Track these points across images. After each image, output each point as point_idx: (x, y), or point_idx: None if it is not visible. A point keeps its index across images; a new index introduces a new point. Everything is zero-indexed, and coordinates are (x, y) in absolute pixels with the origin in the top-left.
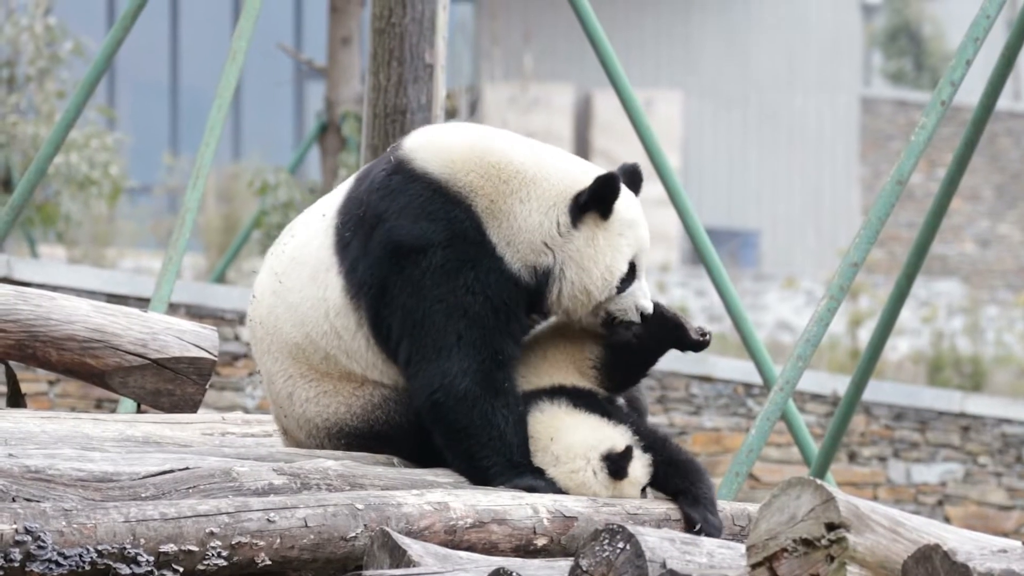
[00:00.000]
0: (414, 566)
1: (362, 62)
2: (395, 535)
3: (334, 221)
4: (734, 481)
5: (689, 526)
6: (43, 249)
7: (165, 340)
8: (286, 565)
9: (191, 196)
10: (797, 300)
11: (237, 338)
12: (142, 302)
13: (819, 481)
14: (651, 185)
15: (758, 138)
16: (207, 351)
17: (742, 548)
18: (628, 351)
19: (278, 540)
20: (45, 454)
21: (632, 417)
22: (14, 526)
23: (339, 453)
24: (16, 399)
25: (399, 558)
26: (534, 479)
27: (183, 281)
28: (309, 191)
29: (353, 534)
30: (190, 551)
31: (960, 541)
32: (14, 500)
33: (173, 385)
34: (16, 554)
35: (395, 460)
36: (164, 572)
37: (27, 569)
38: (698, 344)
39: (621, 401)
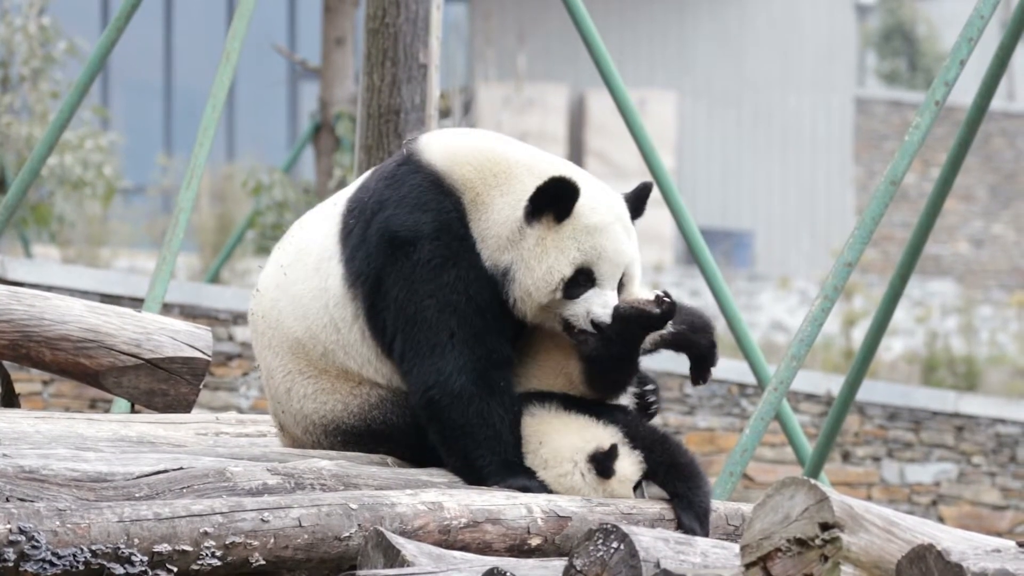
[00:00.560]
0: (408, 566)
1: (356, 62)
2: (389, 535)
3: (342, 209)
4: (728, 481)
5: (681, 529)
6: (37, 249)
7: (159, 340)
8: (280, 565)
9: (185, 196)
10: (791, 300)
11: (231, 338)
12: (136, 302)
13: (813, 481)
14: None
15: (752, 138)
16: (201, 351)
17: (736, 548)
18: (595, 361)
19: (272, 540)
20: (39, 454)
21: (627, 416)
22: (8, 526)
23: (333, 453)
24: (10, 399)
25: (393, 558)
26: (528, 479)
27: (177, 281)
28: (303, 191)
29: (347, 534)
30: (184, 551)
31: (954, 541)
32: (8, 500)
33: (167, 385)
34: (10, 554)
35: (389, 460)
36: (158, 572)
37: (21, 569)
38: (665, 314)
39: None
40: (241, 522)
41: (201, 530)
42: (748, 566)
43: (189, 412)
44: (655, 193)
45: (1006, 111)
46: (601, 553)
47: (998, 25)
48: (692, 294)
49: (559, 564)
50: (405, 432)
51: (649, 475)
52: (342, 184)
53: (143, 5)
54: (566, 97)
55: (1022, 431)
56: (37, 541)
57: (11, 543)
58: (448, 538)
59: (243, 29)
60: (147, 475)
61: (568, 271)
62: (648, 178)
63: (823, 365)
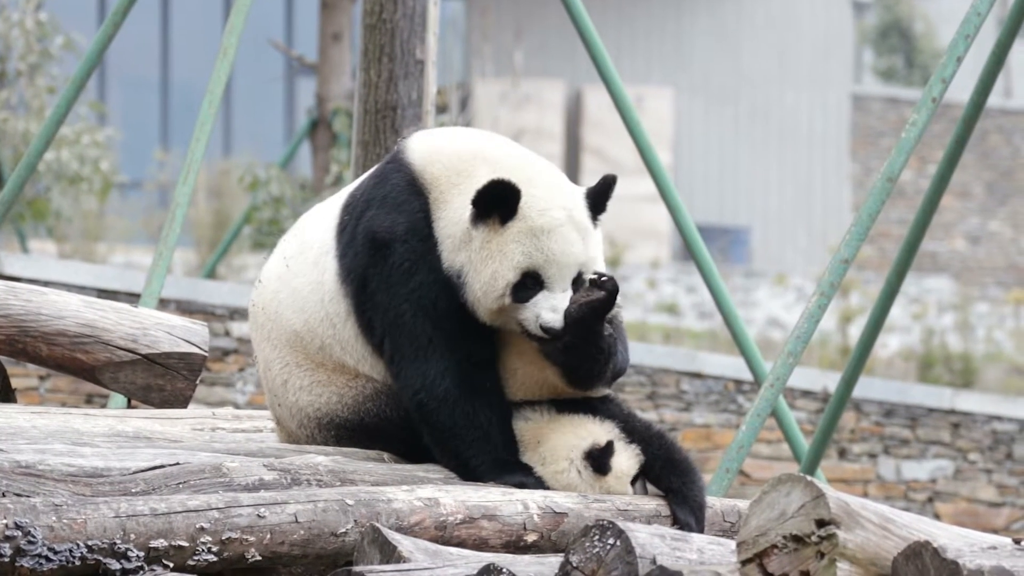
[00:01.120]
0: (404, 562)
1: (353, 58)
2: (385, 531)
3: (341, 204)
4: (724, 477)
5: (676, 524)
6: (33, 244)
7: (155, 335)
8: (276, 560)
9: (182, 191)
10: (787, 297)
11: (228, 333)
12: (132, 297)
13: (809, 478)
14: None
15: (749, 135)
16: (197, 346)
17: (732, 544)
18: (564, 363)
19: (268, 536)
20: (35, 449)
21: (623, 411)
22: (4, 521)
23: (330, 449)
24: (6, 394)
25: (389, 554)
26: (524, 476)
27: (173, 276)
28: (300, 187)
29: (343, 530)
30: (180, 546)
31: (950, 538)
32: (4, 495)
33: (163, 380)
34: (6, 549)
35: (385, 456)
36: (154, 567)
37: (17, 564)
38: (610, 293)
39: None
40: (237, 518)
41: (197, 525)
42: (744, 563)
43: (185, 407)
44: (652, 189)
45: (1003, 108)
46: (597, 549)
47: (995, 22)
48: (688, 290)
49: (555, 560)
50: (398, 426)
51: (645, 470)
52: (339, 180)
53: (140, 0)
54: (563, 93)
55: (1018, 428)
56: (33, 536)
57: (7, 538)
58: (444, 534)
59: (240, 24)
60: (143, 470)
61: (512, 276)
62: (646, 175)
63: (819, 362)
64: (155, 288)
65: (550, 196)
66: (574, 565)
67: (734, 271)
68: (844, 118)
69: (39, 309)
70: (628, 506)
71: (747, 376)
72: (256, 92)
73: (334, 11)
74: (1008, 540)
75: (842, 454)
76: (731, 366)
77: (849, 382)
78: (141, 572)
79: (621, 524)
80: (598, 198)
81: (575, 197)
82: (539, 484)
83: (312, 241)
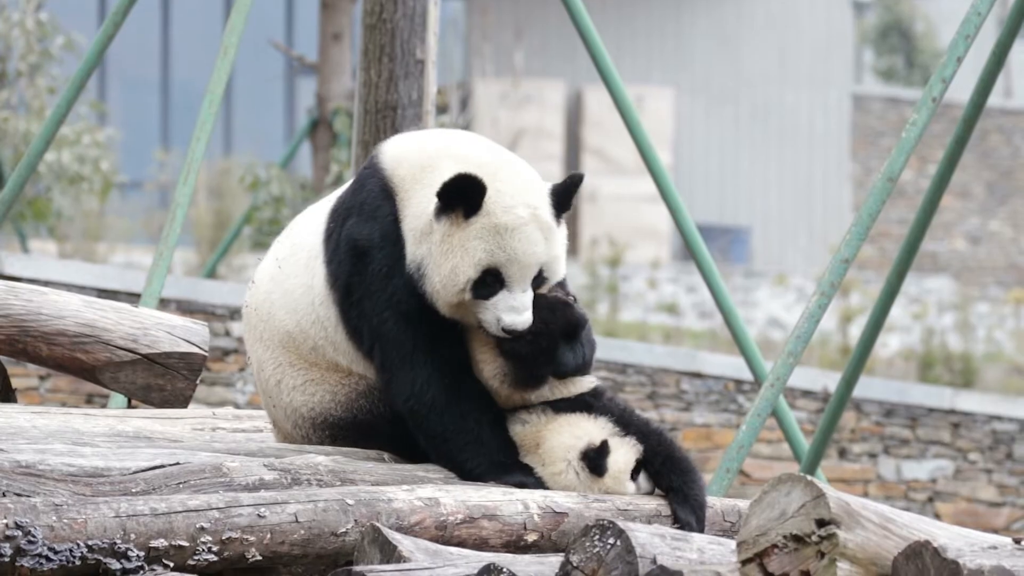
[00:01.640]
0: (404, 562)
1: (353, 58)
2: (385, 531)
3: (329, 208)
4: (724, 477)
5: (677, 523)
6: (34, 244)
7: (156, 335)
8: (276, 560)
9: (182, 191)
10: (788, 297)
11: (228, 333)
12: (133, 297)
13: (809, 477)
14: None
15: (749, 135)
16: (198, 346)
17: (732, 544)
18: (517, 359)
19: (268, 535)
20: (36, 449)
21: (618, 408)
22: (4, 521)
23: (329, 448)
24: (6, 394)
25: (389, 553)
26: (523, 475)
27: (174, 276)
28: (300, 187)
29: (343, 529)
30: (180, 546)
31: (950, 537)
32: (4, 495)
33: (164, 380)
34: (6, 549)
35: (385, 456)
36: (154, 567)
37: (17, 564)
38: (579, 320)
39: (609, 393)
40: (238, 517)
41: (197, 525)
42: (744, 562)
43: (186, 407)
44: (652, 189)
45: (1003, 108)
46: (597, 549)
47: (995, 22)
48: (689, 290)
49: (555, 560)
50: (391, 422)
51: (645, 465)
52: (339, 179)
53: (140, 0)
54: (563, 93)
55: (1018, 428)
56: (33, 536)
57: (7, 538)
58: (444, 534)
59: (241, 24)
60: (144, 470)
61: (473, 272)
62: (646, 175)
63: (820, 362)
64: (155, 288)
65: (515, 193)
66: (574, 565)
67: (734, 271)
68: (844, 118)
69: (39, 309)
70: (628, 506)
71: (747, 376)
72: (256, 92)
73: (334, 11)
74: (1008, 540)
75: (842, 454)
76: (731, 366)
77: (849, 382)
78: (141, 572)
79: (621, 524)
80: (563, 196)
81: (541, 194)
82: (539, 484)
83: (303, 244)
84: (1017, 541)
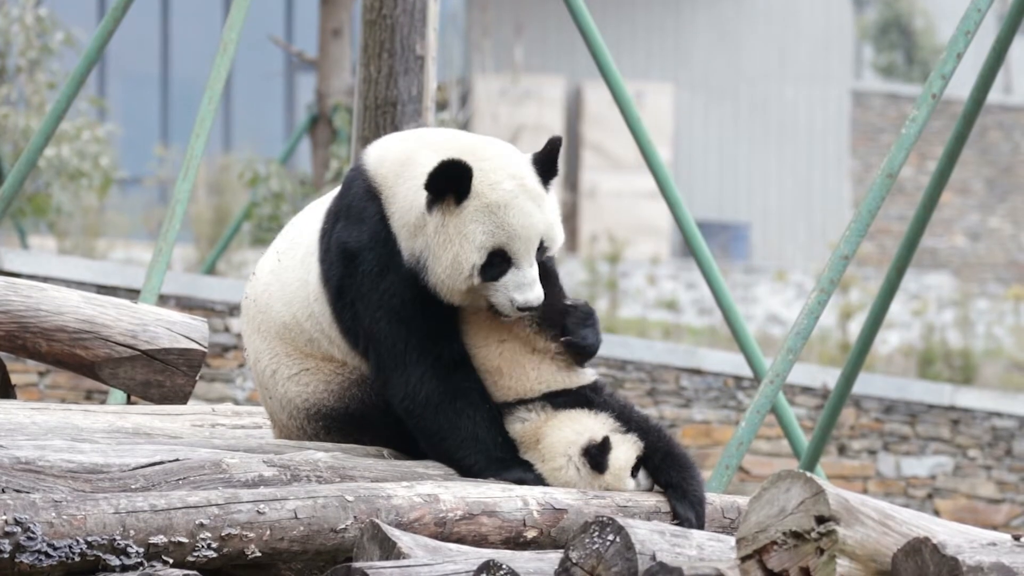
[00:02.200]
0: (404, 558)
1: (353, 54)
2: (385, 527)
3: (325, 208)
4: (724, 474)
5: (676, 519)
6: (33, 240)
7: (155, 331)
8: (276, 557)
9: (181, 187)
10: (787, 293)
11: (227, 329)
12: (132, 293)
13: (809, 474)
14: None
15: (749, 131)
16: (197, 342)
17: (732, 541)
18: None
19: (268, 532)
20: (35, 445)
21: (618, 403)
22: (4, 517)
23: (329, 445)
24: (6, 390)
25: (389, 550)
26: (523, 472)
27: (173, 272)
28: (300, 183)
29: (343, 526)
30: (180, 543)
31: (950, 534)
32: (4, 491)
33: (163, 376)
34: (6, 545)
35: (385, 452)
36: (154, 563)
37: (16, 560)
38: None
39: (608, 390)
40: (237, 514)
41: (197, 522)
42: (744, 559)
43: (185, 403)
44: (652, 185)
45: (1003, 104)
46: (597, 546)
47: (995, 18)
48: (688, 286)
49: (555, 557)
50: (383, 412)
51: (644, 461)
52: (338, 175)
53: None
54: (563, 89)
55: (1018, 424)
56: (33, 532)
57: (7, 534)
58: (444, 530)
59: (240, 20)
60: (143, 466)
61: (477, 258)
62: (646, 171)
63: (819, 358)
64: (155, 284)
65: (498, 168)
66: (574, 561)
67: (734, 267)
68: (844, 114)
69: (39, 305)
70: (628, 502)
71: (747, 372)
72: (256, 88)
73: (334, 7)
74: (1007, 536)
75: (842, 450)
76: (731, 362)
77: (849, 378)
78: (141, 568)
79: (621, 520)
80: (546, 162)
81: (524, 165)
82: (538, 480)
83: (301, 239)
84: (1016, 538)
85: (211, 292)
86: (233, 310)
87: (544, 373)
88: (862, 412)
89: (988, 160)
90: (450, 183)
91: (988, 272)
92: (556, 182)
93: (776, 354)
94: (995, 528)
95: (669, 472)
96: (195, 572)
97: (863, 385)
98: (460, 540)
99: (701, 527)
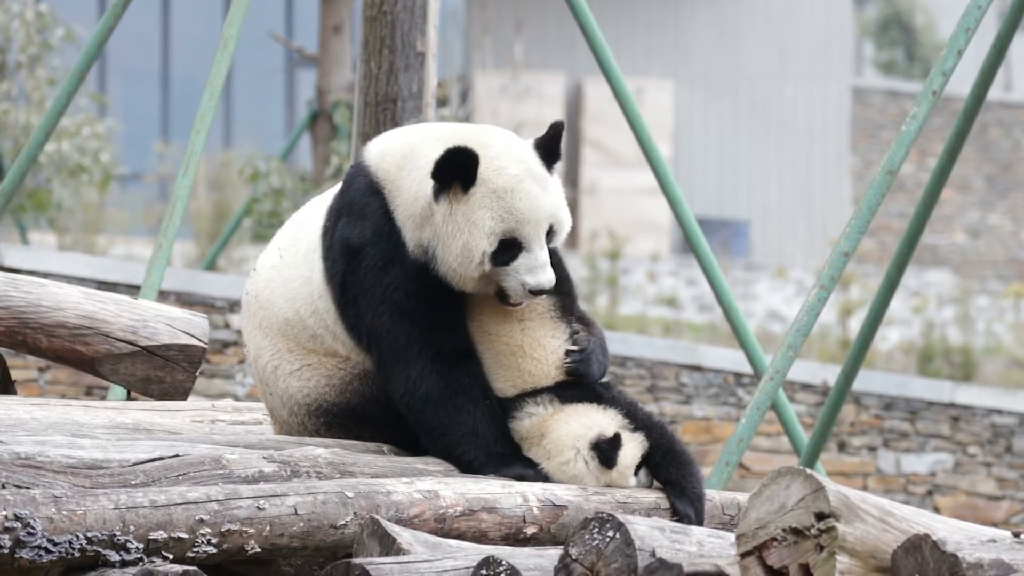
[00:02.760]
0: (404, 554)
1: (353, 50)
2: (385, 523)
3: (327, 205)
4: (724, 470)
5: (675, 516)
6: (34, 236)
7: (155, 327)
8: (276, 553)
9: (182, 183)
10: (787, 290)
11: (227, 326)
12: (132, 289)
13: (809, 471)
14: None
15: (749, 128)
16: (197, 338)
17: (732, 537)
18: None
19: (268, 528)
20: (35, 441)
21: (625, 400)
22: (4, 512)
23: (329, 441)
24: (6, 386)
25: (389, 546)
26: (523, 468)
27: (173, 268)
28: (300, 179)
29: (343, 522)
30: (180, 538)
31: (949, 531)
32: (4, 487)
33: (163, 372)
34: (6, 540)
35: (385, 448)
36: (153, 559)
37: (16, 555)
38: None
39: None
40: (237, 510)
41: (197, 517)
42: (744, 555)
43: (185, 399)
44: (652, 182)
45: (1003, 101)
46: (597, 542)
47: (996, 15)
48: (688, 283)
49: (555, 553)
50: (384, 407)
51: (646, 458)
52: (339, 172)
53: None
54: (563, 86)
55: (1018, 421)
56: (33, 528)
57: (7, 530)
58: (444, 526)
59: (240, 16)
60: (143, 462)
61: (487, 244)
62: (646, 168)
63: (819, 355)
64: (155, 280)
65: (502, 153)
66: (573, 558)
67: (734, 264)
68: (844, 111)
69: (39, 301)
70: (628, 499)
71: (747, 369)
72: (256, 84)
73: (334, 3)
74: (1007, 533)
75: (842, 447)
76: (731, 359)
77: (849, 375)
78: (140, 564)
79: (620, 517)
80: (549, 147)
81: (527, 150)
82: (539, 476)
83: (303, 236)
84: (1016, 535)
85: (211, 288)
86: (233, 306)
87: (562, 357)
88: (862, 409)
89: (988, 157)
90: (457, 171)
91: (988, 269)
92: (556, 177)
93: (776, 351)
94: (995, 525)
95: (669, 469)
96: (195, 568)
97: (863, 382)
98: (460, 536)
99: (700, 524)
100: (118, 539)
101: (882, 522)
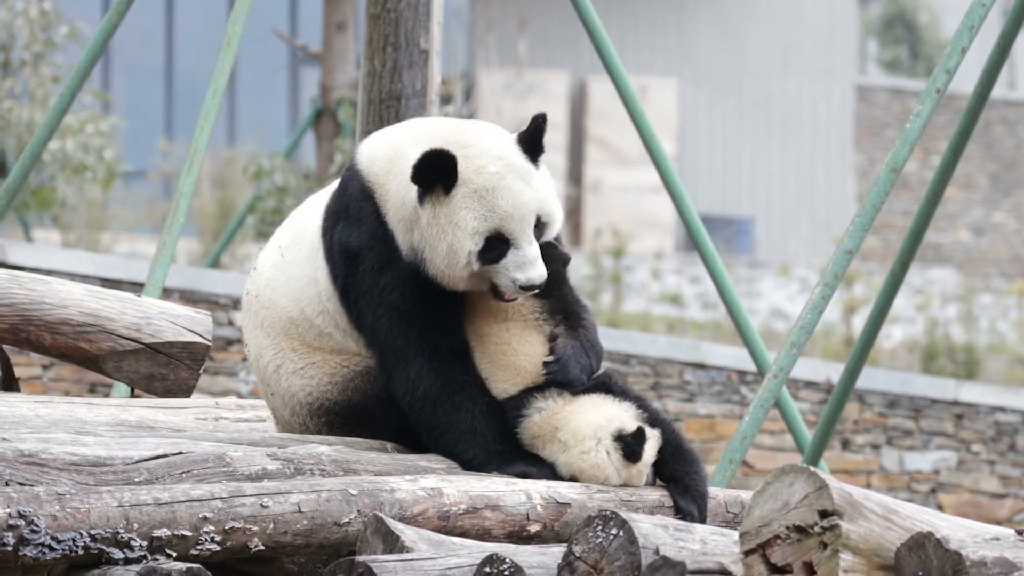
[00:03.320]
0: (407, 552)
1: (357, 48)
2: (388, 521)
3: (325, 205)
4: (727, 468)
5: (679, 513)
6: (38, 233)
7: (159, 325)
8: (279, 550)
9: (186, 181)
10: (791, 287)
11: (231, 323)
12: (136, 287)
13: (812, 468)
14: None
15: (753, 125)
16: (201, 336)
17: (735, 535)
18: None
19: (271, 525)
20: (39, 438)
21: (634, 394)
22: (8, 510)
23: (333, 439)
24: (9, 383)
25: (392, 543)
26: (525, 465)
27: (177, 266)
28: (304, 177)
29: (346, 519)
30: (183, 536)
31: (953, 529)
32: (8, 484)
33: (167, 370)
34: (9, 538)
35: (388, 446)
36: (157, 557)
37: (20, 553)
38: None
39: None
40: (240, 507)
41: (200, 515)
42: (747, 553)
43: (189, 397)
44: (656, 179)
45: (1007, 99)
46: (600, 540)
47: (999, 13)
48: (692, 281)
49: (558, 551)
50: (385, 405)
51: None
52: (342, 169)
53: None
54: (567, 84)
55: (1021, 419)
56: (36, 525)
57: (10, 527)
58: (447, 524)
59: (244, 14)
60: (146, 460)
61: (472, 244)
62: (650, 165)
63: (823, 352)
64: (159, 277)
65: (482, 152)
66: (577, 555)
67: (738, 261)
68: (848, 109)
69: (43, 298)
70: (631, 496)
71: (750, 367)
72: (260, 81)
73: (338, 1)
74: (1011, 531)
75: (845, 445)
76: (734, 357)
77: (852, 373)
78: (144, 561)
79: (624, 514)
80: (531, 141)
81: (509, 145)
82: (542, 474)
83: (305, 233)
84: (1020, 533)
85: (215, 286)
86: (237, 303)
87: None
88: (866, 407)
89: (992, 155)
90: (435, 173)
91: (992, 267)
92: (560, 175)
93: (780, 348)
94: (998, 523)
95: (674, 466)
96: (198, 565)
97: (867, 380)
98: (463, 534)
99: (703, 521)
100: (122, 537)
101: (886, 520)
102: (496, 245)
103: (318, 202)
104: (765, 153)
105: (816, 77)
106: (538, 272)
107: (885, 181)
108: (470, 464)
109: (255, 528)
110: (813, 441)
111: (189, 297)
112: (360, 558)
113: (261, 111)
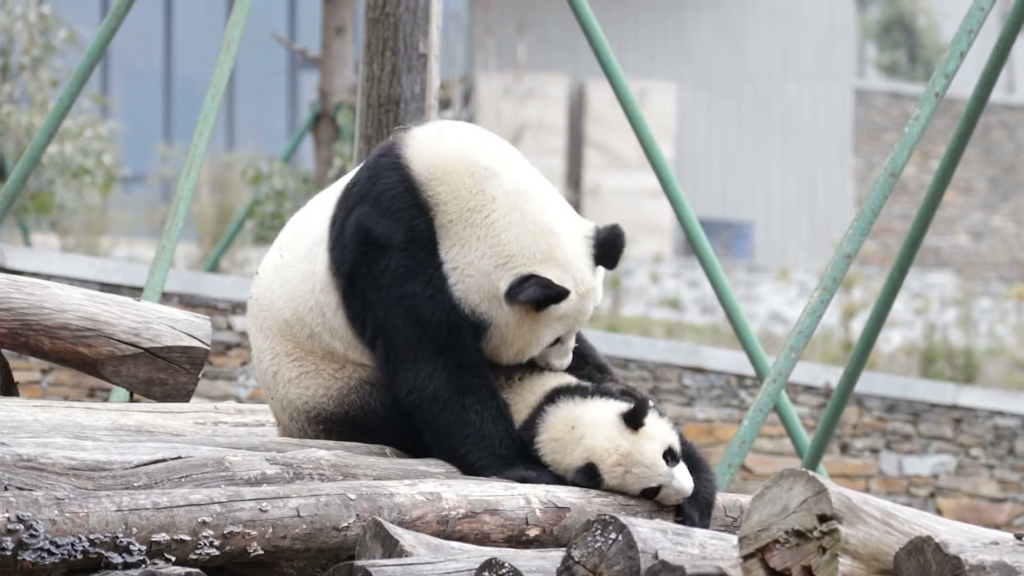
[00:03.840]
0: (406, 556)
1: (356, 52)
2: (387, 525)
3: (336, 196)
4: (726, 472)
5: (680, 517)
6: (36, 238)
7: (158, 329)
8: (278, 555)
9: (184, 185)
10: (790, 291)
11: (230, 327)
12: (135, 291)
13: (811, 473)
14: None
15: (752, 129)
16: (200, 340)
17: (734, 539)
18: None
19: (270, 530)
20: (37, 443)
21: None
22: (6, 515)
23: (331, 443)
24: (8, 388)
25: (391, 548)
26: (525, 470)
27: (176, 270)
28: (303, 181)
29: (345, 524)
30: (182, 540)
31: (952, 533)
32: (6, 488)
33: (166, 374)
34: (8, 543)
35: (387, 450)
36: (156, 561)
37: (19, 558)
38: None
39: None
40: (239, 512)
41: (199, 519)
42: (746, 558)
43: (188, 401)
44: (654, 184)
45: (1006, 103)
46: (599, 544)
47: (998, 17)
48: (691, 285)
49: (557, 555)
50: (383, 419)
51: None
52: (341, 173)
53: None
54: (566, 87)
55: (1020, 423)
56: (35, 530)
57: (9, 532)
58: (446, 529)
59: (243, 18)
60: (145, 464)
61: (538, 350)
62: (649, 169)
63: (822, 357)
64: (158, 282)
65: (575, 271)
66: (576, 560)
67: (736, 266)
68: (847, 113)
69: (42, 302)
70: (630, 501)
71: (749, 371)
72: (259, 86)
73: (337, 5)
74: (1010, 536)
75: (844, 449)
76: (733, 361)
77: (851, 377)
78: (143, 566)
79: (623, 519)
80: (606, 251)
81: (586, 254)
82: (541, 478)
83: (306, 232)
84: (1019, 537)
85: (214, 290)
86: (236, 308)
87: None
88: (864, 411)
89: (991, 159)
90: (542, 300)
91: (991, 271)
92: (558, 179)
93: (779, 353)
94: (997, 527)
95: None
96: (197, 570)
97: (865, 384)
98: (462, 538)
99: (705, 528)
100: (120, 541)
101: (884, 524)
102: (551, 344)
103: (325, 200)
104: (764, 157)
105: (815, 81)
106: (568, 361)
107: (884, 185)
108: (472, 467)
109: (254, 532)
110: (812, 445)
111: (188, 301)
112: (359, 562)
113: (260, 115)
